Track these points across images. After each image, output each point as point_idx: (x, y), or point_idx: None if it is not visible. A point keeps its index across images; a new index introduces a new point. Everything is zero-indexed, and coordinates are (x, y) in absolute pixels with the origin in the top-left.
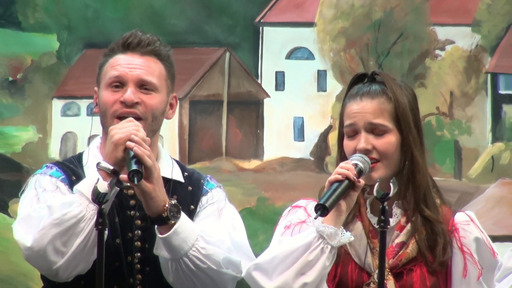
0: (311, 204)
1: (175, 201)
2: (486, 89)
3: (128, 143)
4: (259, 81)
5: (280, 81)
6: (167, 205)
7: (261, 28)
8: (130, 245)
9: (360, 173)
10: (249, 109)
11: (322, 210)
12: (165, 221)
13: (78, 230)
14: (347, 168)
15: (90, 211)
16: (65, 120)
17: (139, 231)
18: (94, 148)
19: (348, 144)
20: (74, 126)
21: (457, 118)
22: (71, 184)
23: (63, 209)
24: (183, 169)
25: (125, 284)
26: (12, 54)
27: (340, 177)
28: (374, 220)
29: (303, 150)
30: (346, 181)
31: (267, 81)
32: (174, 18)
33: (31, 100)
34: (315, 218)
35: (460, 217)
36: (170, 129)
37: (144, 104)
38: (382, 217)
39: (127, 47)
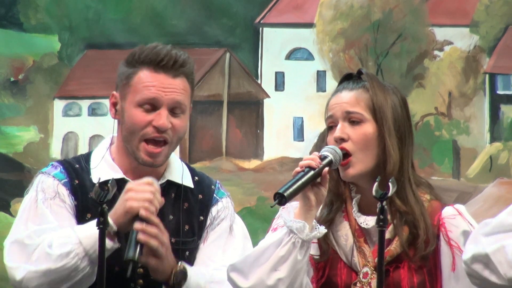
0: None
1: (182, 266)
2: (484, 89)
3: (136, 225)
4: (259, 81)
5: (279, 82)
6: (173, 271)
7: (261, 29)
8: None
9: (329, 164)
10: (249, 109)
11: (280, 199)
12: (172, 287)
13: (68, 278)
14: (311, 158)
15: (84, 262)
16: (66, 120)
17: None
18: (104, 149)
19: (329, 138)
20: (75, 126)
21: (456, 118)
22: (72, 188)
23: (60, 261)
24: (193, 173)
25: None
26: (14, 55)
27: (300, 169)
28: (360, 219)
29: (302, 150)
30: (311, 172)
31: (267, 82)
32: (175, 19)
33: (32, 101)
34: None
35: (447, 211)
36: None
37: (174, 128)
38: (381, 216)
39: (162, 67)
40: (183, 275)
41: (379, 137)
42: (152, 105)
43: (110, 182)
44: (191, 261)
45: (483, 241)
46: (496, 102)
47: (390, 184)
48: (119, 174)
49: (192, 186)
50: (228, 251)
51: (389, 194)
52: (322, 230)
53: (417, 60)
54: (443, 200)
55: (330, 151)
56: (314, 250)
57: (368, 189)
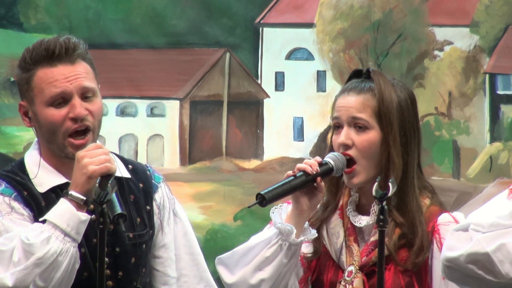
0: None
1: None
2: (484, 89)
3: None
4: (259, 81)
5: (280, 82)
6: None
7: (261, 29)
8: (96, 252)
9: (329, 171)
10: (249, 109)
11: (261, 200)
12: None
13: (57, 264)
14: (309, 163)
15: (66, 243)
16: None
17: None
18: (35, 156)
19: (333, 138)
20: None
21: (456, 118)
22: (24, 200)
23: (44, 247)
24: (125, 162)
25: None
26: (14, 55)
27: (292, 172)
28: (355, 218)
29: (302, 150)
30: (303, 177)
31: (267, 82)
32: (175, 19)
33: None
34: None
35: (443, 218)
36: (170, 129)
37: (91, 114)
38: (381, 216)
39: (56, 59)
40: None
41: (384, 144)
42: (63, 99)
43: (110, 182)
44: (147, 254)
45: (480, 239)
46: (496, 102)
47: (390, 184)
48: (62, 179)
49: (129, 175)
50: (188, 235)
51: (389, 194)
52: (312, 234)
53: (417, 60)
54: (443, 206)
55: (333, 158)
56: (308, 248)
57: (368, 189)
